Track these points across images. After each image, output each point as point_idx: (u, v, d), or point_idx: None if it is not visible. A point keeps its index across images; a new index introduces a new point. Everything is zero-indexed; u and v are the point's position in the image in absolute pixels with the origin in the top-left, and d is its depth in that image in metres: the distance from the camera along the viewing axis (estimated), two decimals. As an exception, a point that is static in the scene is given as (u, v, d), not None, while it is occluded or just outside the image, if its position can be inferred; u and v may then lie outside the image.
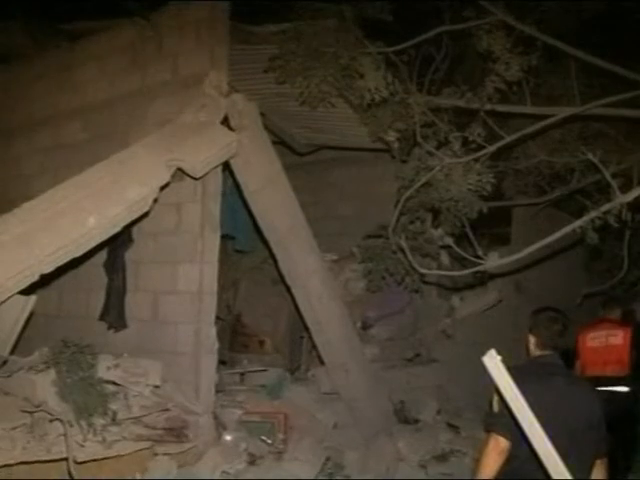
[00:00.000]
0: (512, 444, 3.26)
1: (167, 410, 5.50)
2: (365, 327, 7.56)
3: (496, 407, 3.31)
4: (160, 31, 6.42)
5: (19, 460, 4.53)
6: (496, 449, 3.33)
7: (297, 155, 8.52)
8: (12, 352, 5.02)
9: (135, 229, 5.92)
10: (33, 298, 4.78)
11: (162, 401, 5.49)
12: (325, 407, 6.65)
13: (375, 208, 8.18)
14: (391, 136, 7.15)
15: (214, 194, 5.92)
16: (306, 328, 6.94)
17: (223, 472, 5.38)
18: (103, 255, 6.06)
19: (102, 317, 6.06)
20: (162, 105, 6.24)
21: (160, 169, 5.48)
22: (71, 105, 7.01)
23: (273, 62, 6.48)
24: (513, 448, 3.28)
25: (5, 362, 5.08)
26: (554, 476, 2.50)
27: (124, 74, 6.66)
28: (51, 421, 4.84)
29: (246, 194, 6.30)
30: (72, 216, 5.08)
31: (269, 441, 5.92)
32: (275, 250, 6.51)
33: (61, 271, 5.10)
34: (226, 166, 6.08)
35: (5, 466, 4.45)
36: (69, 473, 4.68)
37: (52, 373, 5.07)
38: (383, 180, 8.27)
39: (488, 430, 3.42)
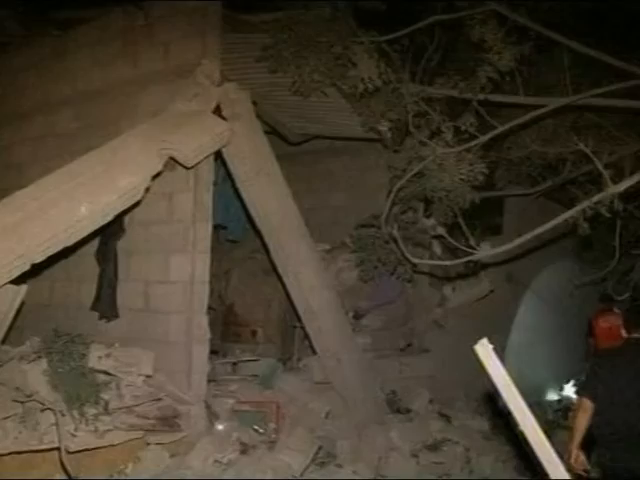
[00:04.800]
0: (597, 403, 4.65)
1: (159, 400, 5.49)
2: (357, 317, 7.57)
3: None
4: (152, 20, 6.39)
5: (11, 450, 4.55)
6: (582, 408, 4.74)
7: (290, 145, 8.50)
8: (3, 342, 4.98)
9: (127, 218, 5.89)
10: (24, 287, 4.73)
11: (154, 391, 5.49)
12: (317, 396, 6.65)
13: (367, 198, 8.19)
14: (383, 126, 7.16)
15: (206, 183, 5.90)
16: (298, 318, 6.94)
17: (215, 461, 5.38)
18: (95, 244, 6.02)
19: (94, 307, 6.02)
20: (154, 94, 6.21)
21: (152, 158, 5.45)
22: (62, 94, 6.96)
23: (266, 51, 6.47)
24: (598, 405, 4.65)
25: (-4, 353, 5.08)
26: (548, 469, 2.49)
27: (116, 63, 6.62)
28: (43, 411, 4.85)
29: (238, 183, 6.29)
30: (63, 205, 5.03)
31: (261, 430, 5.92)
32: (267, 240, 6.50)
33: (52, 260, 5.06)
34: (218, 155, 6.05)
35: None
36: (61, 463, 4.69)
37: (43, 363, 5.07)
38: (375, 170, 8.28)
39: (578, 394, 5.14)
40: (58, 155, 6.18)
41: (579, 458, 4.66)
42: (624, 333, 5.17)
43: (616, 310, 5.70)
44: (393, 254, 6.90)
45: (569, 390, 10.16)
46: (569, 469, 4.48)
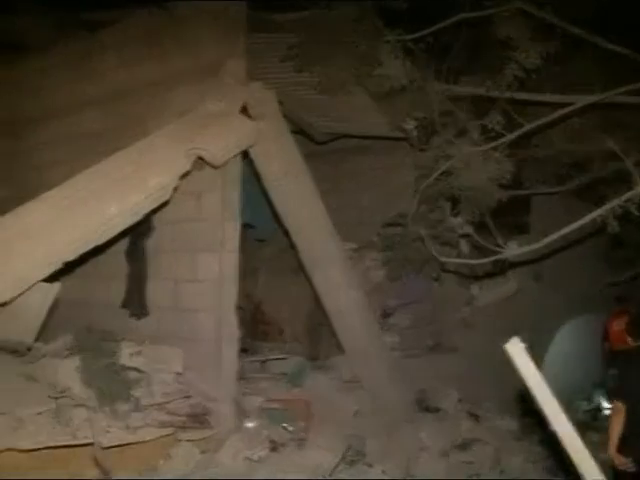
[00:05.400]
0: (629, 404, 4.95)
1: (189, 397, 5.53)
2: (385, 315, 7.57)
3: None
4: (179, 20, 6.43)
5: (45, 445, 4.57)
6: (617, 412, 5.06)
7: (315, 144, 8.51)
8: (36, 339, 5.05)
9: (156, 217, 5.94)
10: (57, 285, 4.81)
11: (184, 388, 5.53)
12: (346, 395, 6.66)
13: (393, 197, 8.17)
14: (409, 124, 7.14)
15: (234, 183, 5.92)
16: (326, 316, 6.95)
17: (245, 458, 5.40)
18: (124, 243, 6.10)
19: (124, 305, 6.11)
20: (181, 94, 6.24)
21: (180, 158, 5.49)
22: (90, 95, 7.03)
23: (291, 50, 6.48)
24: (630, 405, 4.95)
25: (30, 349, 5.14)
26: (582, 469, 2.47)
27: (143, 63, 6.67)
28: (75, 407, 4.89)
29: (266, 183, 6.32)
30: (93, 205, 5.10)
31: (290, 428, 5.93)
32: (295, 239, 6.53)
33: (83, 259, 5.14)
34: (245, 155, 6.09)
35: (31, 450, 4.50)
36: (94, 458, 4.74)
37: (76, 360, 5.13)
38: (401, 169, 8.27)
39: (612, 398, 5.49)
40: (86, 155, 6.21)
41: (621, 459, 5.01)
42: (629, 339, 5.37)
43: (631, 311, 5.70)
44: (420, 253, 6.90)
45: (597, 392, 10.07)
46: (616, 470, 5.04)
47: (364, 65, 6.52)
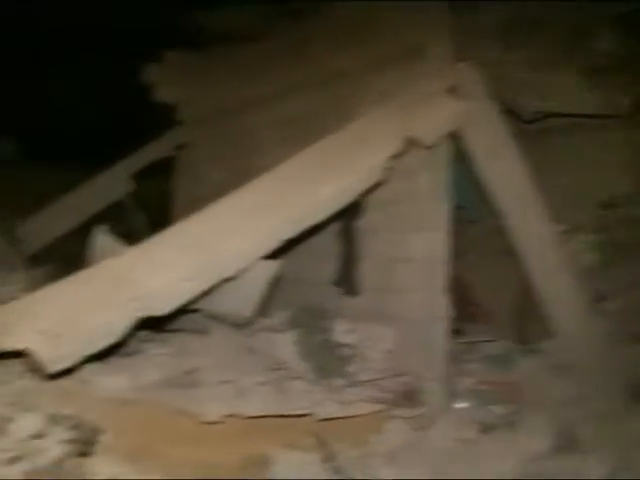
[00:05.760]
0: None
1: (400, 375, 5.61)
2: (598, 300, 7.25)
3: None
4: (382, 5, 6.49)
5: (264, 413, 4.79)
6: None
7: (522, 123, 8.28)
8: (256, 314, 5.32)
9: (367, 198, 6.05)
10: (276, 263, 5.05)
11: (395, 366, 5.61)
12: (556, 380, 6.46)
13: (604, 177, 7.78)
14: (624, 100, 6.79)
15: (443, 163, 5.89)
16: (536, 300, 6.77)
17: (454, 439, 5.41)
18: (336, 223, 6.27)
19: (336, 283, 6.30)
20: (388, 77, 6.29)
21: (391, 139, 5.57)
22: (301, 80, 7.26)
23: (498, 28, 6.36)
24: None
25: (250, 322, 5.42)
26: None
27: (350, 48, 6.79)
28: (294, 379, 5.12)
29: (475, 163, 6.24)
30: (307, 186, 5.32)
31: (500, 411, 5.87)
32: (505, 220, 6.39)
33: (299, 239, 5.34)
34: (454, 135, 6.04)
35: (252, 418, 4.74)
36: (311, 429, 4.92)
37: (293, 335, 5.37)
38: (613, 148, 7.86)
39: None
40: (298, 138, 6.44)
41: None
42: None
43: None
44: (636, 236, 6.56)
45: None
46: None
47: (576, 40, 6.26)
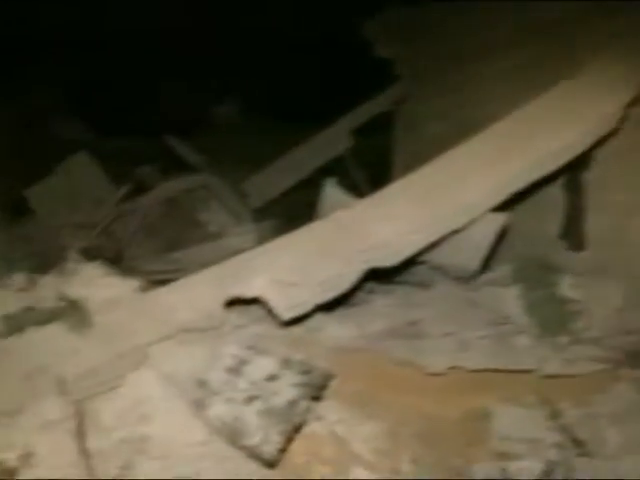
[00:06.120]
0: None
1: (628, 334, 5.37)
2: None
3: None
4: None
5: (486, 367, 4.80)
6: None
7: None
8: (481, 267, 5.31)
9: (598, 149, 5.78)
10: (504, 216, 5.00)
11: (623, 325, 5.37)
12: None
13: None
14: None
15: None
16: None
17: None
18: (563, 175, 6.04)
19: (562, 237, 6.13)
20: (615, 21, 5.94)
21: (623, 85, 5.33)
22: (525, 26, 7.01)
23: None
24: None
25: (474, 275, 5.42)
26: None
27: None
28: (517, 334, 5.06)
29: None
30: (535, 138, 5.20)
31: None
32: None
33: (525, 190, 5.24)
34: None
35: (474, 371, 4.76)
36: (534, 386, 4.86)
37: (516, 288, 5.29)
38: None
39: None
40: (523, 88, 6.22)
41: None
42: None
43: None
44: None
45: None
46: None
47: None
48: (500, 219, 5.02)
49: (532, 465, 4.25)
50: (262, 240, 7.17)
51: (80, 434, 3.86)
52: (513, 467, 4.24)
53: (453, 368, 4.70)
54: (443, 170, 5.20)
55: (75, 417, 3.94)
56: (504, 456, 4.43)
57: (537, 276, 5.38)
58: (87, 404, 4.04)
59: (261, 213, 10.01)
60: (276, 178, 10.31)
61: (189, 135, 11.19)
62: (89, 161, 9.98)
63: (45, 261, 6.61)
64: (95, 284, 4.98)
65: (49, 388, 4.04)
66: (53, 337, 4.27)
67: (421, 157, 5.56)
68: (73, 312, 4.41)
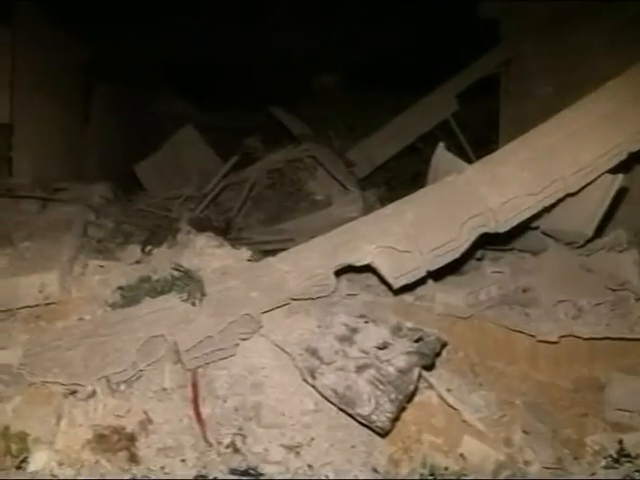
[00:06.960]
0: None
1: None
2: None
3: None
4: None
5: (602, 335, 4.67)
6: None
7: None
8: (596, 232, 5.13)
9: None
10: (620, 177, 4.80)
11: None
12: None
13: None
14: None
15: None
16: None
17: None
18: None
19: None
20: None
21: None
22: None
23: None
24: None
25: (589, 240, 5.24)
26: None
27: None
28: (635, 300, 4.88)
29: None
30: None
31: None
32: None
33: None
34: None
35: (589, 339, 4.63)
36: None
37: (634, 254, 5.10)
38: None
39: None
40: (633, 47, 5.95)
41: None
42: None
43: None
44: None
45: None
46: None
47: None
48: (617, 181, 4.81)
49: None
50: (368, 208, 7.16)
51: (195, 402, 3.98)
52: (628, 439, 4.10)
53: (566, 336, 4.58)
54: (555, 132, 4.99)
55: (190, 385, 4.07)
56: (619, 427, 4.32)
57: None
58: (201, 372, 4.14)
59: (365, 181, 10.00)
60: (382, 146, 10.25)
61: (291, 106, 11.25)
62: (195, 135, 10.21)
63: (158, 234, 6.82)
64: (207, 255, 5.09)
65: (165, 357, 4.18)
66: (168, 307, 4.38)
67: (529, 119, 5.40)
68: (187, 282, 4.50)
